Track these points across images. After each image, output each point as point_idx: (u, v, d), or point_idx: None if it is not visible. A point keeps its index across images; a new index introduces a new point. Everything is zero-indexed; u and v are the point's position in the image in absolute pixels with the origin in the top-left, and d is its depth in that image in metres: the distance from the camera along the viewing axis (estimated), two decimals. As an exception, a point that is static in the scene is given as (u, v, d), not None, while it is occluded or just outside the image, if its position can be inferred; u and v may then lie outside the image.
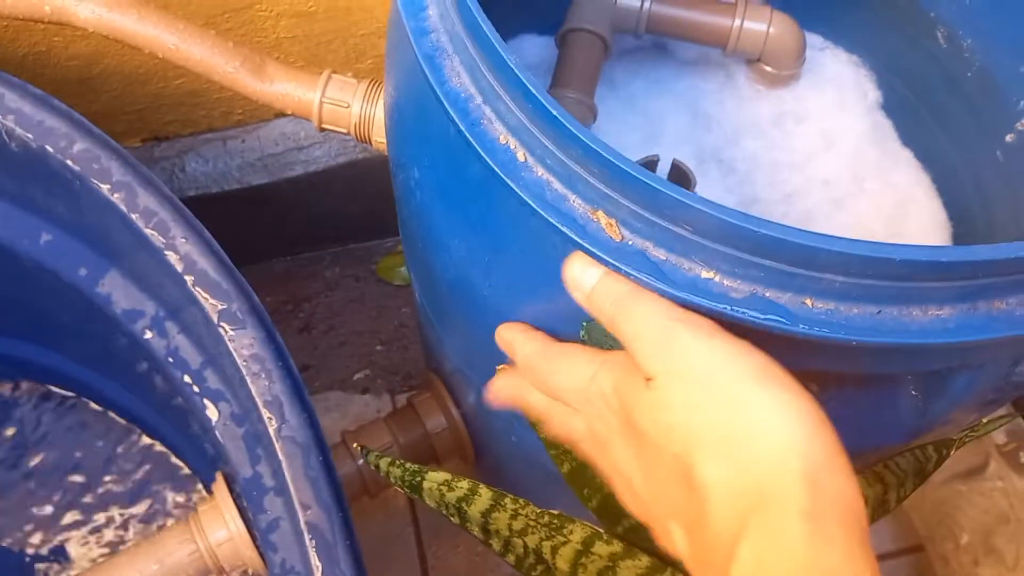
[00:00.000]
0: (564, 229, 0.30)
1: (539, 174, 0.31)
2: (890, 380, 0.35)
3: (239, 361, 0.48)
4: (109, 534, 0.74)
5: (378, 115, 0.51)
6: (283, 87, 0.53)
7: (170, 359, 0.55)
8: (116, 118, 0.74)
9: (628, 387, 0.30)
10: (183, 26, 0.51)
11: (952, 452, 0.38)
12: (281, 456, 0.47)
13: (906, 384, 0.35)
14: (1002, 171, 0.58)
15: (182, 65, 0.52)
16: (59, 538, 0.74)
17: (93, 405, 0.77)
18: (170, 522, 0.74)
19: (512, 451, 0.58)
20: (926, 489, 0.76)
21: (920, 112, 0.63)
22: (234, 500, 0.54)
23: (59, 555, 0.73)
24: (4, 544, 0.73)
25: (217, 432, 0.52)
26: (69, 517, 0.74)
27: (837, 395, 0.36)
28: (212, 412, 0.53)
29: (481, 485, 0.45)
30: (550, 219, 0.31)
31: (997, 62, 0.56)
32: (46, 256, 0.59)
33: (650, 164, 0.59)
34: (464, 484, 0.45)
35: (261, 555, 0.51)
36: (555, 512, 0.46)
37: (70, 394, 0.77)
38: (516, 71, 0.28)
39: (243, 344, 0.48)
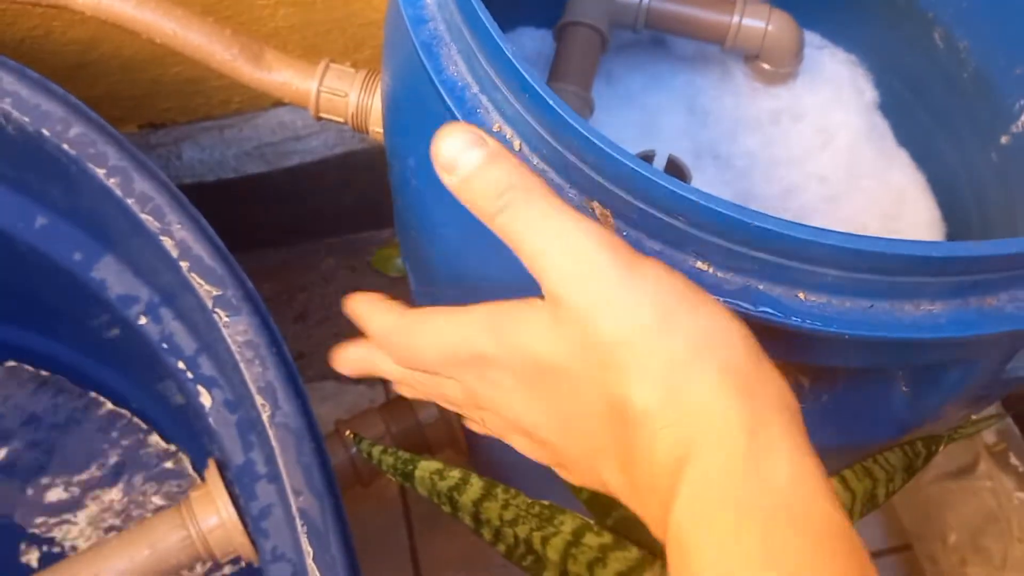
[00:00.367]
0: (559, 219, 0.30)
1: (535, 164, 0.31)
2: (881, 375, 0.35)
3: (233, 347, 0.48)
4: (99, 519, 0.74)
5: (375, 105, 0.51)
6: (281, 75, 0.53)
7: (164, 345, 0.55)
8: (113, 104, 0.74)
9: (522, 333, 0.28)
10: (181, 12, 0.51)
11: (941, 448, 0.38)
12: (274, 442, 0.47)
13: (897, 379, 0.35)
14: (997, 172, 0.58)
15: (180, 51, 0.52)
16: (47, 523, 0.74)
17: (84, 390, 0.77)
18: (161, 508, 0.74)
19: (504, 444, 0.58)
20: (915, 488, 0.77)
21: (916, 112, 0.63)
22: (226, 486, 0.54)
23: (47, 541, 0.73)
24: (-7, 529, 0.73)
25: (210, 418, 0.52)
26: (59, 501, 0.74)
27: (828, 390, 0.36)
28: (205, 398, 0.53)
29: (473, 475, 0.45)
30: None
31: (994, 64, 0.57)
32: (40, 240, 0.59)
33: (646, 159, 0.59)
34: (456, 473, 0.45)
35: (252, 542, 0.51)
36: (546, 503, 0.46)
37: (61, 378, 0.77)
38: (513, 60, 0.29)
39: (237, 330, 0.48)
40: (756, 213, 0.28)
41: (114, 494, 0.75)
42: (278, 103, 0.77)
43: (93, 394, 0.76)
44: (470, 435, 0.67)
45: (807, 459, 0.25)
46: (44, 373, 0.76)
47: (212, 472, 0.56)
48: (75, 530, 0.74)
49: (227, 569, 0.74)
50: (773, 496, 0.24)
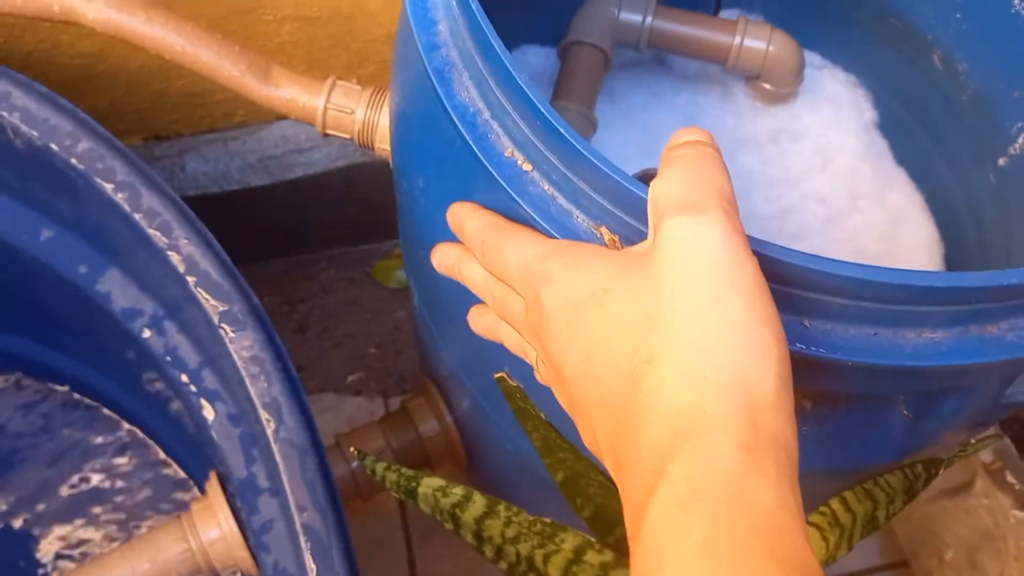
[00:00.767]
0: (568, 244, 0.31)
1: (545, 189, 0.32)
2: (882, 399, 0.36)
3: (239, 362, 0.49)
4: (101, 531, 0.74)
5: (382, 122, 0.52)
6: (288, 92, 0.53)
7: (168, 358, 0.56)
8: (119, 116, 0.74)
9: (591, 262, 0.29)
10: (190, 29, 0.52)
11: (941, 471, 0.39)
12: (278, 458, 0.47)
13: (898, 404, 0.36)
14: (994, 193, 0.59)
15: (188, 67, 0.52)
16: (49, 534, 0.74)
17: (87, 400, 0.77)
18: (163, 520, 0.74)
19: (506, 458, 0.58)
20: (912, 505, 0.77)
21: (915, 132, 0.64)
22: (227, 500, 0.55)
23: (49, 552, 0.73)
24: (-7, 539, 0.73)
25: (213, 432, 0.53)
26: (61, 512, 0.74)
27: (831, 413, 0.37)
28: (208, 412, 0.53)
29: (475, 492, 0.45)
30: (555, 234, 0.31)
31: (992, 86, 0.57)
32: (46, 252, 0.59)
33: (648, 176, 0.60)
34: (458, 490, 0.45)
35: (253, 556, 0.51)
36: (547, 520, 0.46)
37: (65, 389, 0.77)
38: (525, 88, 0.29)
39: (243, 345, 0.49)
40: (761, 242, 0.28)
41: (115, 506, 0.75)
42: (282, 116, 0.77)
43: (96, 405, 0.77)
44: (470, 448, 0.67)
45: (790, 495, 0.25)
46: (50, 384, 0.76)
47: (213, 485, 0.56)
48: (76, 539, 0.74)
49: (226, 581, 0.74)
50: (751, 519, 0.24)
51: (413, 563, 0.80)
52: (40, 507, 0.74)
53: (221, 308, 0.49)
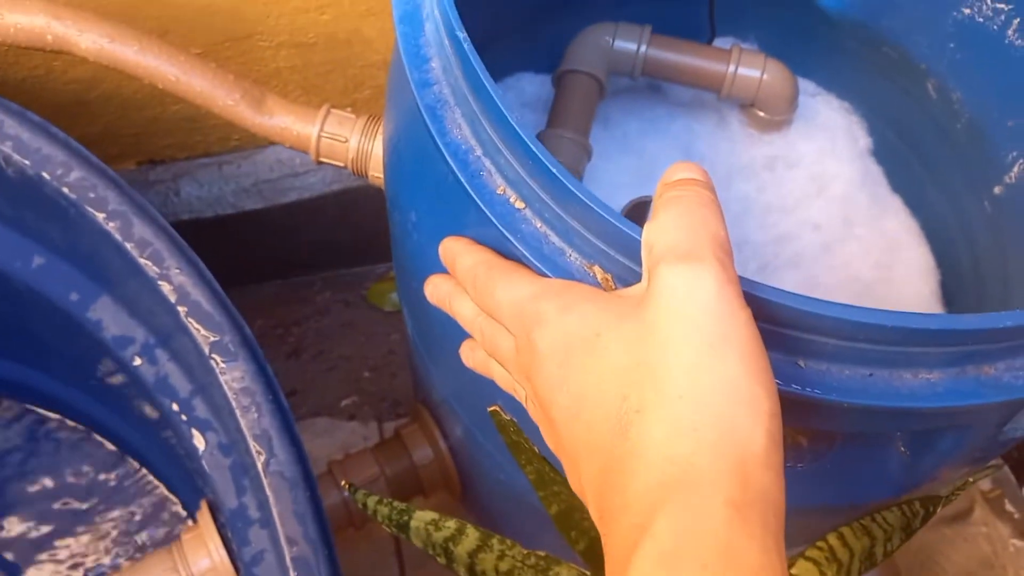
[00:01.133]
0: (560, 281, 0.30)
1: (537, 227, 0.32)
2: (879, 438, 0.35)
3: (229, 394, 0.48)
4: (90, 559, 0.73)
5: (376, 150, 0.51)
6: (282, 120, 0.53)
7: (159, 387, 0.55)
8: (112, 141, 0.74)
9: (585, 304, 0.29)
10: (184, 58, 0.52)
11: (939, 509, 0.38)
12: (269, 491, 0.47)
13: (895, 442, 0.35)
14: (990, 222, 0.59)
15: (182, 96, 0.52)
16: (38, 561, 0.73)
17: (78, 427, 0.76)
18: (154, 548, 0.73)
19: (499, 488, 0.58)
20: (910, 531, 0.77)
21: (910, 160, 0.64)
22: (218, 529, 0.54)
23: (38, 579, 0.72)
24: (-19, 566, 0.72)
25: (203, 461, 0.52)
26: (50, 539, 0.73)
27: (827, 450, 0.36)
28: (199, 441, 0.53)
29: (469, 525, 0.45)
30: (547, 273, 0.31)
31: (986, 115, 0.57)
32: (37, 279, 0.58)
33: (643, 205, 0.60)
34: (451, 524, 0.45)
35: (244, 588, 0.51)
36: (542, 554, 0.46)
37: (55, 415, 0.76)
38: (516, 127, 0.29)
39: (234, 376, 0.48)
40: (755, 283, 0.28)
41: (106, 533, 0.74)
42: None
43: (88, 431, 0.76)
44: (464, 476, 0.66)
45: (776, 556, 0.24)
46: (39, 410, 0.76)
47: (204, 514, 0.55)
48: (66, 567, 0.73)
49: (217, 610, 0.73)
50: None
51: (407, 590, 0.79)
52: (30, 534, 0.73)
53: (212, 338, 0.48)
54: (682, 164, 0.30)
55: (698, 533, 0.24)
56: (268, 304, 0.91)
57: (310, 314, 0.92)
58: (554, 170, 0.29)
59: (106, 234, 0.51)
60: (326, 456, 0.74)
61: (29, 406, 0.76)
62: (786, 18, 0.63)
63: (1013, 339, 0.29)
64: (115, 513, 0.74)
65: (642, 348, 0.27)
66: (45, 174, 0.51)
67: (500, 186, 0.32)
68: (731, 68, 0.59)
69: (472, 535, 0.45)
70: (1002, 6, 0.54)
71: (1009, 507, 0.65)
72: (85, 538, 0.73)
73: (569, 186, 0.29)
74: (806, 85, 0.65)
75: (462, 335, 0.41)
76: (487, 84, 0.29)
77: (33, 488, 0.74)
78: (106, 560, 0.73)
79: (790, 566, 0.41)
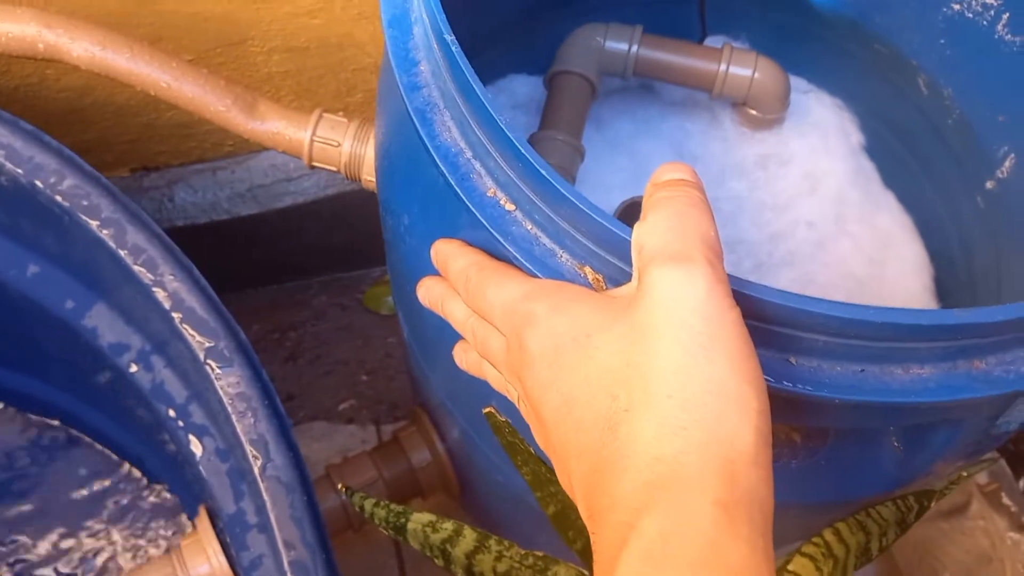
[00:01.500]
0: (552, 283, 0.30)
1: (528, 228, 0.32)
2: (873, 434, 0.35)
3: (225, 399, 0.48)
4: (90, 565, 0.73)
5: (368, 154, 0.52)
6: (274, 125, 0.53)
7: (155, 393, 0.55)
8: (107, 148, 0.74)
9: (576, 311, 0.29)
10: (176, 64, 0.52)
11: (933, 504, 0.38)
12: (265, 496, 0.47)
13: (888, 437, 0.35)
14: (982, 217, 0.59)
15: (174, 103, 0.52)
16: (39, 568, 0.73)
17: (77, 433, 0.76)
18: (153, 553, 0.74)
19: (497, 489, 0.58)
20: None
21: (903, 156, 0.64)
22: (217, 535, 0.54)
23: (38, 587, 0.72)
24: (-19, 575, 0.72)
25: (201, 467, 0.52)
26: (49, 546, 0.73)
27: (820, 446, 0.36)
28: (196, 447, 0.53)
29: (466, 526, 0.45)
30: (538, 274, 0.31)
31: (977, 111, 0.57)
32: (33, 288, 0.59)
33: (636, 205, 0.60)
34: (449, 525, 0.45)
35: (243, 593, 0.51)
36: (539, 554, 0.46)
37: (54, 422, 0.76)
38: (506, 130, 0.29)
39: (229, 382, 0.48)
40: (744, 281, 0.28)
41: (106, 539, 0.74)
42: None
43: (86, 438, 0.76)
44: (462, 478, 0.67)
45: (762, 555, 0.24)
46: (37, 417, 0.76)
47: (203, 520, 0.55)
48: (65, 573, 0.73)
49: (217, 615, 0.73)
50: None
51: (407, 593, 0.79)
52: (29, 540, 0.73)
53: (207, 344, 0.48)
54: (671, 164, 0.30)
55: (685, 532, 0.24)
56: (265, 309, 0.91)
57: (307, 318, 0.92)
58: (543, 172, 0.29)
59: (100, 241, 0.51)
60: (325, 460, 0.74)
61: (28, 414, 0.76)
62: (777, 16, 0.63)
63: (1003, 333, 0.29)
64: (114, 520, 0.74)
65: (632, 349, 0.27)
66: (38, 183, 0.51)
67: (490, 188, 0.32)
68: (722, 67, 0.59)
69: (469, 536, 0.45)
70: (991, 1, 0.55)
71: (1006, 500, 0.65)
72: (85, 545, 0.73)
73: (559, 188, 0.29)
74: (798, 83, 0.65)
75: (456, 337, 0.41)
76: (475, 87, 0.29)
77: (32, 495, 0.74)
78: (107, 565, 0.73)
79: (787, 563, 0.41)
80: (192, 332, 0.49)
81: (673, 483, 0.25)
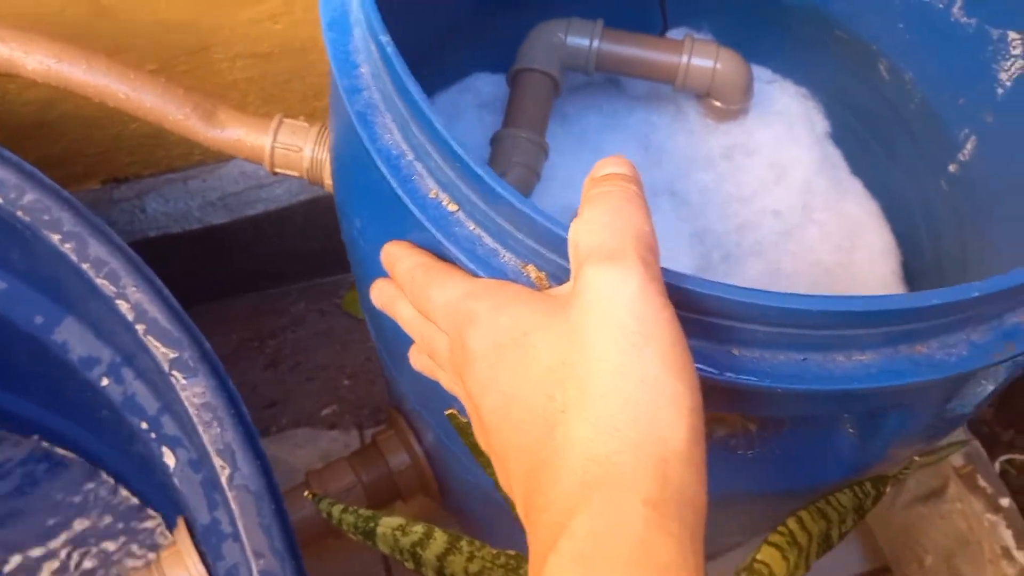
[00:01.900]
0: (497, 282, 0.30)
1: (471, 229, 0.32)
2: (826, 421, 0.35)
3: (191, 409, 0.48)
4: (72, 580, 0.73)
5: (329, 158, 0.51)
6: (234, 132, 0.53)
7: (127, 406, 0.55)
8: (75, 161, 0.74)
9: (516, 304, 0.29)
10: (133, 75, 0.52)
11: (887, 489, 0.39)
12: (233, 504, 0.47)
13: (842, 424, 0.36)
14: (947, 200, 0.59)
15: (133, 114, 0.52)
16: (21, 585, 0.73)
17: (55, 448, 0.76)
18: (131, 564, 0.73)
19: (469, 489, 0.58)
20: (890, 511, 0.77)
21: (868, 142, 0.64)
22: (195, 545, 0.54)
23: (21, 603, 0.72)
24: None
25: (175, 478, 0.52)
26: (27, 560, 0.73)
27: (775, 435, 0.36)
28: (169, 458, 0.53)
29: (436, 529, 0.45)
30: (482, 274, 0.31)
31: (937, 94, 0.58)
32: (1, 303, 0.58)
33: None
34: (419, 528, 0.45)
35: (220, 603, 0.51)
36: (511, 553, 0.46)
37: (32, 438, 0.76)
38: (442, 132, 0.29)
39: (195, 392, 0.48)
40: (681, 275, 0.28)
41: (84, 553, 0.74)
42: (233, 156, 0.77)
43: (65, 452, 0.76)
44: (441, 481, 0.67)
45: (691, 554, 0.24)
46: (11, 434, 0.76)
47: (181, 531, 0.55)
48: (47, 591, 0.73)
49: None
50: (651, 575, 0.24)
51: (393, 594, 0.79)
52: (7, 555, 0.73)
53: (171, 355, 0.48)
54: (609, 159, 0.30)
55: (614, 532, 0.24)
56: (244, 317, 0.91)
57: (286, 325, 0.92)
58: (481, 172, 0.29)
59: (62, 256, 0.50)
60: (308, 466, 0.74)
61: (5, 430, 0.76)
62: (738, 6, 0.63)
63: (942, 316, 0.29)
64: (94, 532, 0.74)
65: (567, 348, 0.27)
66: (-2, 199, 0.50)
67: (432, 190, 0.32)
68: (684, 59, 0.59)
69: (440, 538, 0.45)
70: (947, -16, 0.55)
71: (982, 482, 0.65)
72: (63, 558, 0.73)
73: (496, 188, 0.29)
74: (762, 72, 0.65)
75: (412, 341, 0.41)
76: (412, 88, 0.29)
77: (10, 509, 0.74)
78: (89, 581, 0.73)
79: (757, 552, 0.41)
80: (156, 343, 0.49)
81: (605, 483, 0.25)
